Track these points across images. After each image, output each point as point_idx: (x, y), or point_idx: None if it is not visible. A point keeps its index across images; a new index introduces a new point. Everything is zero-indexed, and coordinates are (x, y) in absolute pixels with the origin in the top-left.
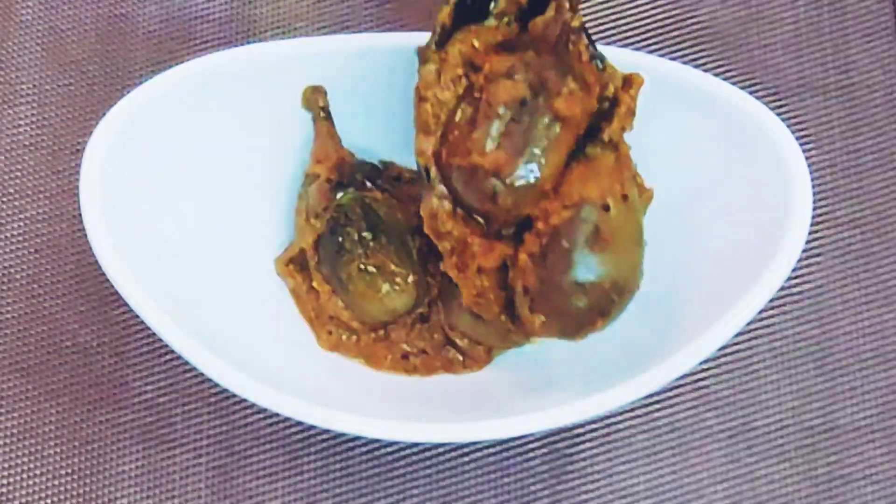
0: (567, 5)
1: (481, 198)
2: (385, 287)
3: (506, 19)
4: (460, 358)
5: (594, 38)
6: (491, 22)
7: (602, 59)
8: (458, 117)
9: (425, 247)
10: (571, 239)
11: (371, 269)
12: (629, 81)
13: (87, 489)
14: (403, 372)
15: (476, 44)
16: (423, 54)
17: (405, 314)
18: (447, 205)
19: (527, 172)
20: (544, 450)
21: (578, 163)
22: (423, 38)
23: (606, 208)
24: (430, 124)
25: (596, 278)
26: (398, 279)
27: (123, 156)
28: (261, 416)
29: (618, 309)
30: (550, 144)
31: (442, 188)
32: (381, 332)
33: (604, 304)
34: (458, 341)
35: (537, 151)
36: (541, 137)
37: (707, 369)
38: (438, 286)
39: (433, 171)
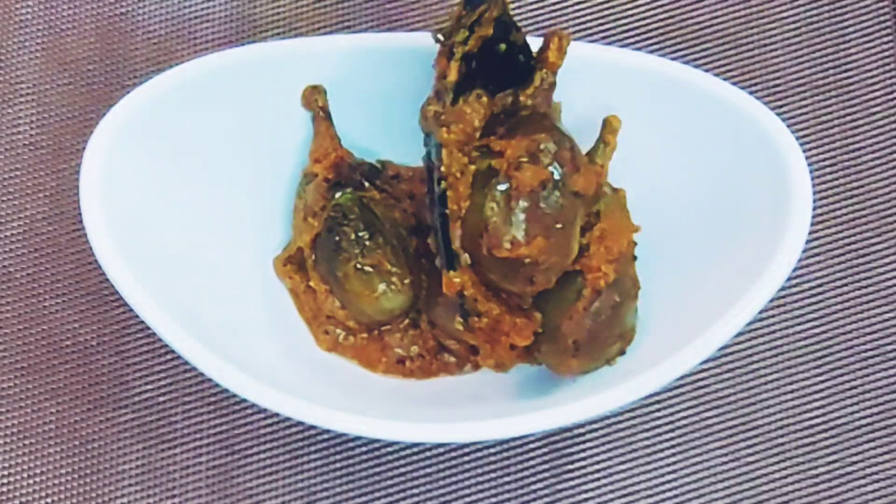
0: (552, 79)
1: (521, 283)
2: (381, 287)
3: (476, 92)
4: (454, 360)
5: (595, 37)
6: (466, 102)
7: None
8: (489, 208)
9: (422, 247)
10: (622, 293)
11: (367, 268)
12: (611, 127)
13: (87, 488)
14: (401, 376)
15: (465, 127)
16: (439, 144)
17: (401, 314)
18: (482, 289)
19: (560, 254)
20: (544, 449)
21: (600, 217)
22: (422, 38)
23: (635, 258)
24: (455, 212)
25: (635, 322)
26: (394, 279)
27: (123, 156)
28: (261, 415)
29: None
30: (574, 220)
31: (472, 275)
32: (375, 333)
33: (631, 339)
34: (444, 342)
35: (567, 231)
36: (567, 216)
37: (708, 369)
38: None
39: (465, 259)
